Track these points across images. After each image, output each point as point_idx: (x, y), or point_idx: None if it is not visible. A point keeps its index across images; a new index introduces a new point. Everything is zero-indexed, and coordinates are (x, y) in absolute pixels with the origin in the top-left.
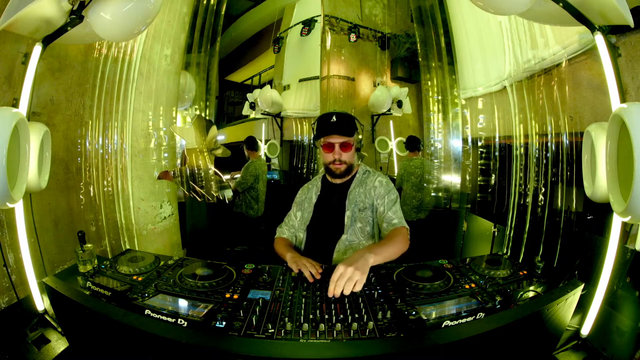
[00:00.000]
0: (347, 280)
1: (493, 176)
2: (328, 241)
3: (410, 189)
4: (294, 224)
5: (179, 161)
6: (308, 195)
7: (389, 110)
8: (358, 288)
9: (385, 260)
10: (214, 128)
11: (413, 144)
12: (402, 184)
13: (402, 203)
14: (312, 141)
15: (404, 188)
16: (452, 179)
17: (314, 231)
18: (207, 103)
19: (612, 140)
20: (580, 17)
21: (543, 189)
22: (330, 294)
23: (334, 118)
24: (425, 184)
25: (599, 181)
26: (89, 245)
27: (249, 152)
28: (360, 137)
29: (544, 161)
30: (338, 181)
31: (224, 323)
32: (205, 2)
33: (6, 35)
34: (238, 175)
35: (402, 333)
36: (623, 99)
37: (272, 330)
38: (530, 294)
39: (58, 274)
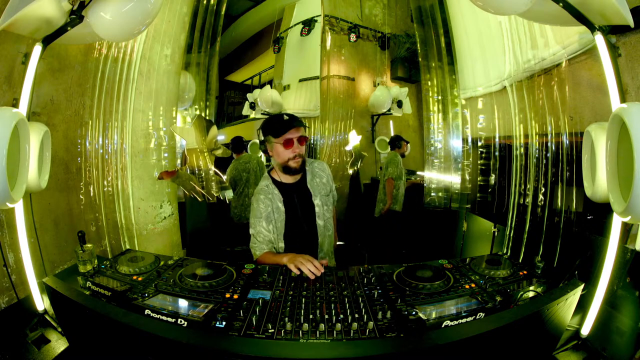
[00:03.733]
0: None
1: (493, 176)
2: (308, 237)
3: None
4: (270, 238)
5: (179, 161)
6: (273, 206)
7: (389, 110)
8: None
9: None
10: (214, 128)
11: (392, 142)
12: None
13: None
14: (260, 145)
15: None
16: (452, 179)
17: (292, 236)
18: (207, 103)
19: (612, 140)
20: (580, 17)
21: (543, 189)
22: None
23: (285, 117)
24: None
25: (599, 181)
26: (89, 245)
27: (233, 154)
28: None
29: (544, 161)
30: (291, 180)
31: (224, 323)
32: (205, 2)
33: (6, 35)
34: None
35: (402, 333)
36: (623, 99)
37: (272, 330)
38: (530, 294)
39: (58, 274)
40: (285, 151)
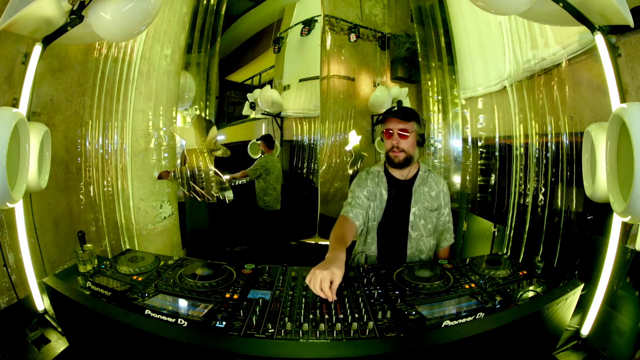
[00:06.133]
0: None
1: (493, 176)
2: (398, 239)
3: None
4: (366, 208)
5: (179, 161)
6: (378, 189)
7: None
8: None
9: None
10: (214, 128)
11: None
12: None
13: None
14: (372, 131)
15: None
16: (452, 179)
17: (385, 230)
18: (207, 103)
19: (612, 140)
20: (580, 17)
21: (543, 189)
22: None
23: (395, 107)
24: None
25: (599, 181)
26: (89, 245)
27: (265, 149)
28: (422, 132)
29: (544, 161)
30: (399, 175)
31: (224, 323)
32: (205, 2)
33: (6, 35)
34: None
35: (402, 333)
36: (623, 99)
37: (272, 330)
38: (530, 294)
39: (58, 274)
40: (386, 141)
